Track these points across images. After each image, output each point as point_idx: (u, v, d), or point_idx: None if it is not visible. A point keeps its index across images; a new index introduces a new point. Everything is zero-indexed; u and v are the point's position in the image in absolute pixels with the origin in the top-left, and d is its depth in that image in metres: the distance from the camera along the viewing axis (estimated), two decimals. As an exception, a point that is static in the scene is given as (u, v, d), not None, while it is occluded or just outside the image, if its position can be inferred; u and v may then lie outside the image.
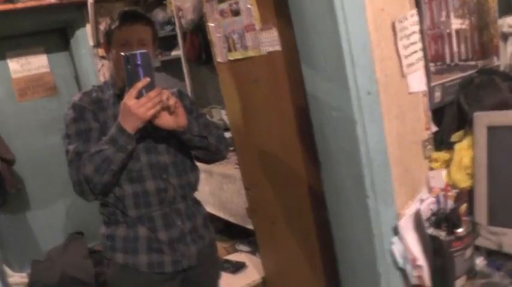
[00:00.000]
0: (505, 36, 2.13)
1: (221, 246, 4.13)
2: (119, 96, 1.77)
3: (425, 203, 1.71)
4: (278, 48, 1.95)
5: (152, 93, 1.60)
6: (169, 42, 4.77)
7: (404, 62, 1.68)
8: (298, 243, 2.27)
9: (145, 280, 1.80)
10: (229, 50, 2.24)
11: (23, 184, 4.60)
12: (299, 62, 1.73)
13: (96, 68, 4.71)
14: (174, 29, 4.63)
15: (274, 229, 2.42)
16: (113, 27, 1.77)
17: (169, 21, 4.72)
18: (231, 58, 2.24)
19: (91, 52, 4.70)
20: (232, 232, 3.89)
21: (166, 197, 1.81)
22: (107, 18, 4.78)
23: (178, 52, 4.66)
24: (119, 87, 1.80)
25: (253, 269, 2.80)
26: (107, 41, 1.80)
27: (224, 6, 2.19)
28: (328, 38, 1.59)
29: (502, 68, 2.11)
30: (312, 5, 1.62)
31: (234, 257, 3.13)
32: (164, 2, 4.57)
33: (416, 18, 1.71)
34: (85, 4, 4.38)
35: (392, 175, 1.69)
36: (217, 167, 3.67)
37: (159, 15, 4.87)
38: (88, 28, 4.66)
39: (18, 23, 4.07)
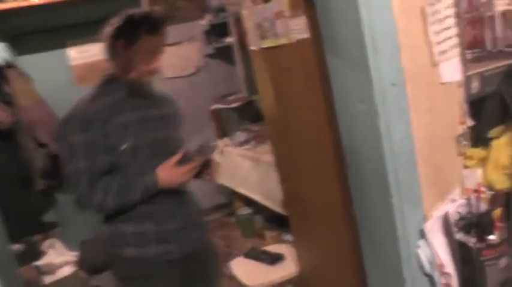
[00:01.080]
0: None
1: (268, 235, 4.09)
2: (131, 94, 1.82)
3: (455, 205, 1.57)
4: (307, 35, 1.85)
5: (192, 165, 1.79)
6: (223, 29, 4.76)
7: (436, 49, 1.54)
8: (330, 238, 2.18)
9: (154, 269, 1.86)
10: (262, 38, 2.16)
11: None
12: (326, 50, 1.64)
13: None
14: (227, 16, 4.61)
15: (309, 223, 2.33)
16: (142, 29, 1.72)
17: (223, 9, 4.70)
18: (264, 46, 2.16)
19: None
20: (280, 221, 3.84)
21: (170, 191, 1.84)
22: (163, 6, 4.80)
23: (231, 39, 4.63)
24: (129, 85, 1.81)
25: (291, 262, 2.72)
26: (127, 38, 1.73)
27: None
28: (350, 23, 1.48)
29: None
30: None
31: (274, 248, 3.06)
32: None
33: (450, 0, 1.56)
34: (141, -6, 4.44)
35: (419, 173, 1.57)
36: (264, 156, 3.63)
37: (213, 2, 4.87)
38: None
39: (76, 13, 4.16)
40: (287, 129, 2.23)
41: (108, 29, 1.76)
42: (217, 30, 4.85)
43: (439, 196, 1.61)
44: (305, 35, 1.86)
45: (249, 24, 2.28)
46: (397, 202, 1.55)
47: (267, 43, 2.13)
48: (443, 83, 1.58)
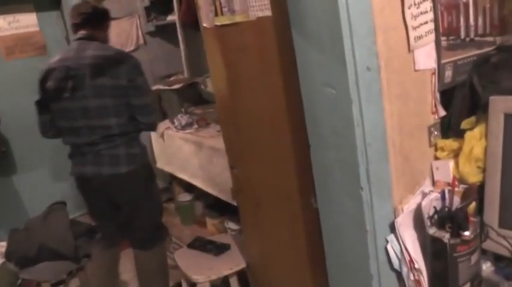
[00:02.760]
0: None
1: (210, 222, 3.96)
2: None
3: (428, 199, 1.49)
4: (268, 13, 1.70)
5: None
6: (165, 6, 4.52)
7: (412, 34, 1.44)
8: (283, 228, 2.07)
9: None
10: (216, 14, 1.99)
11: (8, 146, 4.42)
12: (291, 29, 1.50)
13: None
14: (170, -8, 4.37)
15: (259, 211, 2.21)
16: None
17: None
18: (218, 23, 1.99)
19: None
20: (223, 209, 3.71)
21: None
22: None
23: (174, 17, 4.40)
24: None
25: (238, 252, 2.60)
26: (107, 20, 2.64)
27: (210, -36, 1.95)
28: (325, 3, 1.35)
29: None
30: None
31: (219, 238, 2.93)
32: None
33: (428, -16, 1.47)
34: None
35: (390, 163, 1.47)
36: (207, 140, 3.47)
37: (153, -23, 4.62)
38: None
39: None
40: (239, 113, 2.08)
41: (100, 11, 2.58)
42: (159, 7, 4.60)
43: (409, 189, 1.53)
44: (266, 12, 1.71)
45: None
46: (366, 195, 1.45)
47: (222, 20, 1.96)
48: (417, 70, 1.48)
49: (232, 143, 2.24)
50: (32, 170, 4.58)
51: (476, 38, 1.66)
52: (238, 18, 1.87)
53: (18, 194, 4.48)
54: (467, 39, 1.62)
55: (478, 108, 1.55)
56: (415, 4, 1.43)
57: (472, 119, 1.55)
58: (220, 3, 1.95)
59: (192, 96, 4.23)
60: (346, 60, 1.34)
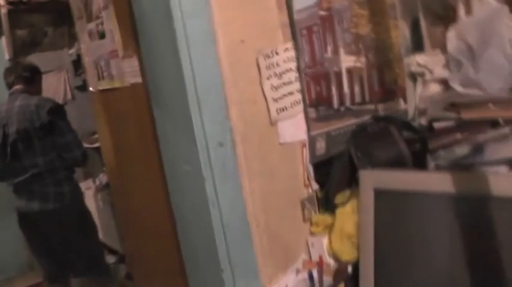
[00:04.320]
0: (413, 76, 1.85)
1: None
2: None
3: (296, 280, 1.39)
4: (139, 80, 1.61)
5: None
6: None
7: (274, 106, 1.37)
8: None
9: None
10: (99, 78, 1.90)
11: None
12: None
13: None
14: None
15: (151, 284, 2.06)
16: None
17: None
18: (100, 88, 1.90)
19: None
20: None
21: None
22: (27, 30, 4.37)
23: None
24: None
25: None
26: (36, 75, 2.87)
27: (92, 26, 1.86)
28: (173, 74, 1.27)
29: (410, 113, 1.83)
30: (156, 34, 1.31)
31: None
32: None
33: (292, 53, 1.41)
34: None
35: (255, 243, 1.37)
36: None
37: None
38: (3, 40, 4.28)
39: None
40: (125, 182, 1.96)
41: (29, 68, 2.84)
42: (87, 61, 4.49)
43: (280, 267, 1.43)
44: (138, 79, 1.62)
45: (87, 61, 2.01)
46: (228, 277, 1.34)
47: (103, 85, 1.87)
48: (282, 143, 1.41)
49: (122, 214, 2.11)
50: None
51: (354, 107, 1.61)
52: (116, 84, 1.78)
53: None
54: (342, 108, 1.56)
55: (352, 181, 1.47)
56: (276, 75, 1.37)
57: (345, 193, 1.47)
58: (101, 67, 1.86)
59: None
60: (195, 135, 1.25)
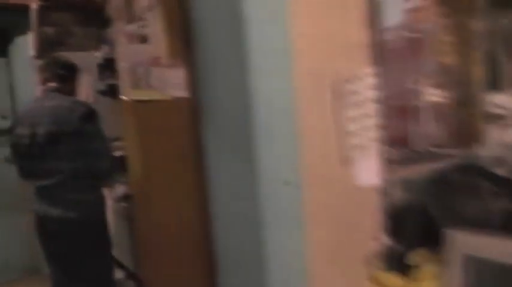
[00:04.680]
0: (491, 119, 1.60)
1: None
2: None
3: None
4: (184, 94, 1.38)
5: None
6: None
7: (347, 141, 1.13)
8: None
9: None
10: (135, 87, 1.68)
11: None
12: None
13: (32, 81, 4.16)
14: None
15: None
16: None
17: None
18: (135, 97, 1.67)
19: (30, 63, 4.17)
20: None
21: None
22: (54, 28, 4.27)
23: (125, 77, 4.12)
24: None
25: None
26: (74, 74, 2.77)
27: (132, 28, 1.64)
28: (236, 92, 1.04)
29: (485, 161, 1.58)
30: (218, 42, 1.10)
31: None
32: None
33: (373, 80, 1.17)
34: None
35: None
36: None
37: (111, 34, 4.38)
38: (30, 36, 4.17)
39: None
40: (153, 200, 1.73)
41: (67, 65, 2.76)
42: (113, 65, 4.32)
43: None
44: (183, 92, 1.39)
45: (122, 66, 1.79)
46: None
47: (139, 95, 1.64)
48: (352, 187, 1.17)
49: (143, 232, 1.88)
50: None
51: (434, 149, 1.36)
52: (155, 95, 1.55)
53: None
54: (421, 150, 1.32)
55: (431, 239, 1.22)
56: (353, 104, 1.13)
57: (422, 253, 1.23)
58: (138, 75, 1.64)
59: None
60: (259, 169, 1.01)
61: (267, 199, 1.03)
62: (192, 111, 1.39)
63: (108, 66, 4.42)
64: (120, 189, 3.56)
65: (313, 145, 1.07)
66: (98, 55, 4.37)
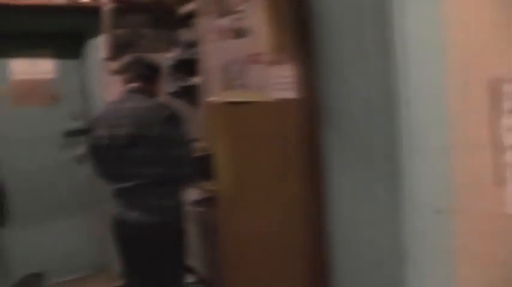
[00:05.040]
0: None
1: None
2: None
3: None
4: (292, 94, 1.20)
5: None
6: (191, 67, 4.14)
7: (505, 157, 0.92)
8: None
9: None
10: (226, 87, 1.51)
11: (4, 201, 3.99)
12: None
13: (104, 83, 4.14)
14: (197, 53, 4.01)
15: None
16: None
17: (194, 43, 4.10)
18: (227, 99, 1.51)
19: (102, 65, 4.14)
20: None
21: None
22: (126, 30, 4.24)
23: (197, 79, 4.01)
24: None
25: None
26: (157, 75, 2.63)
27: (225, 22, 1.48)
28: (375, 94, 0.85)
29: None
30: (349, 35, 0.89)
31: None
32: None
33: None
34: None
35: None
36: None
37: (183, 35, 4.29)
38: (102, 39, 4.15)
39: (21, 21, 3.56)
40: (240, 212, 1.57)
41: (151, 66, 2.60)
42: (185, 67, 4.23)
43: None
44: (290, 93, 1.21)
45: (211, 65, 1.63)
46: None
47: (232, 96, 1.48)
48: (507, 215, 0.95)
49: (227, 242, 1.72)
50: (27, 226, 4.11)
51: None
52: (253, 97, 1.38)
53: (13, 254, 4.01)
54: None
55: None
56: (514, 112, 0.91)
57: None
58: (232, 74, 1.48)
59: (208, 169, 3.74)
60: (404, 194, 0.81)
61: (415, 230, 0.83)
62: (302, 114, 1.21)
63: (179, 68, 4.37)
64: (194, 193, 3.47)
65: (467, 161, 0.86)
66: (169, 57, 4.31)
